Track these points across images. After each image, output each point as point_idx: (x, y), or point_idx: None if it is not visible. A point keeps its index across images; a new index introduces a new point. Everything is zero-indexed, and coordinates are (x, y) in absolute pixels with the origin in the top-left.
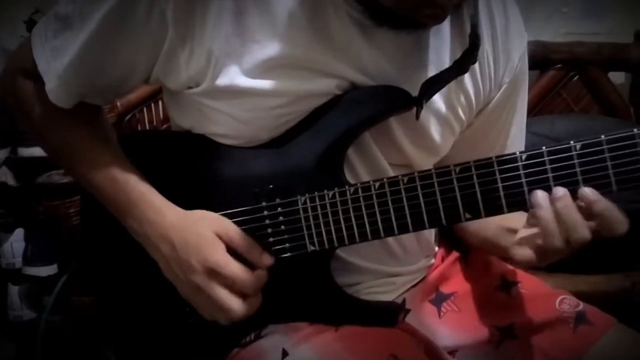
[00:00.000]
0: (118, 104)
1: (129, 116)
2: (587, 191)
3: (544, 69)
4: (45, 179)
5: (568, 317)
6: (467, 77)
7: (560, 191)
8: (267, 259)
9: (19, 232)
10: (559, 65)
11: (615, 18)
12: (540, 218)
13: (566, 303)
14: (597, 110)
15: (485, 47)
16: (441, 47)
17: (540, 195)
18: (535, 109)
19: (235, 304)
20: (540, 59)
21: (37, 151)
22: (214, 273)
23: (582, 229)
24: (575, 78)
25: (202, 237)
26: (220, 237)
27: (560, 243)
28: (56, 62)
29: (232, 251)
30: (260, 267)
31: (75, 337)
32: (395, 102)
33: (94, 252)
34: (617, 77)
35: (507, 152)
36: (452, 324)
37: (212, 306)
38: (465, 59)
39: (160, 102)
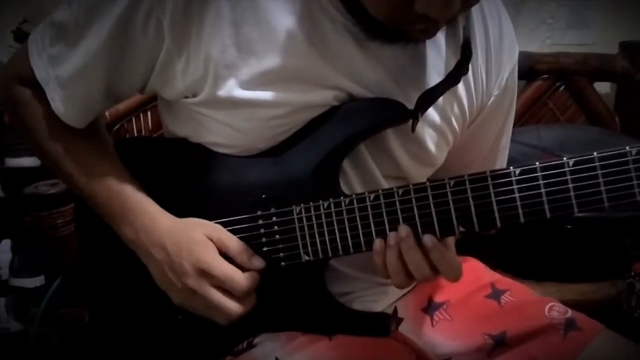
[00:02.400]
0: (107, 114)
1: (117, 126)
2: (426, 239)
3: (530, 79)
4: (33, 189)
5: (558, 324)
6: (461, 88)
7: (404, 232)
8: (258, 262)
9: (5, 243)
10: (545, 76)
11: (600, 29)
12: (386, 259)
13: (555, 310)
14: (583, 119)
15: (479, 58)
16: (437, 59)
17: (379, 242)
18: (522, 119)
19: (229, 303)
20: (526, 69)
21: (24, 161)
22: (205, 274)
23: (424, 268)
24: (562, 88)
25: (193, 240)
26: (211, 240)
27: (403, 279)
28: (56, 71)
29: (224, 255)
30: (251, 269)
31: (63, 349)
32: (391, 114)
33: (88, 260)
34: (603, 87)
35: (493, 162)
36: (445, 333)
37: (207, 307)
38: (457, 70)
39: (148, 112)
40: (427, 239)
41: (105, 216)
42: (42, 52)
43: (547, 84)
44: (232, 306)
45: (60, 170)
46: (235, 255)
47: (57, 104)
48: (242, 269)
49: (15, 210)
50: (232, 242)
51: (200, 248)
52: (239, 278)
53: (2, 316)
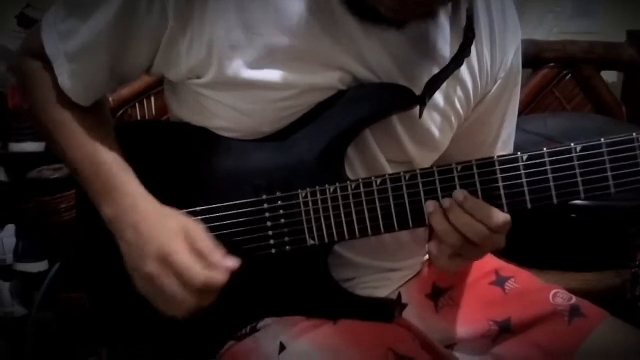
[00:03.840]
0: (110, 99)
1: (121, 112)
2: (456, 194)
3: (537, 68)
4: (36, 174)
5: (563, 310)
6: (465, 71)
7: (447, 202)
8: (229, 262)
9: (10, 228)
10: (552, 64)
11: (607, 18)
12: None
13: (560, 297)
14: (590, 108)
15: (483, 40)
16: (442, 43)
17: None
18: (528, 108)
19: (179, 295)
20: (533, 57)
21: (28, 147)
22: (166, 262)
23: (474, 225)
24: (568, 77)
25: (166, 228)
26: (185, 231)
27: (457, 240)
28: (65, 46)
29: (196, 251)
30: (218, 268)
31: (66, 334)
32: (399, 100)
33: (89, 246)
34: (610, 76)
35: (498, 149)
36: (449, 319)
37: (159, 296)
38: (460, 54)
39: (152, 98)
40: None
41: (89, 191)
42: (53, 28)
43: (554, 72)
44: (181, 299)
45: (55, 142)
46: (205, 250)
47: (64, 79)
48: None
49: (19, 195)
50: (205, 239)
51: (169, 236)
52: (198, 273)
53: (6, 301)
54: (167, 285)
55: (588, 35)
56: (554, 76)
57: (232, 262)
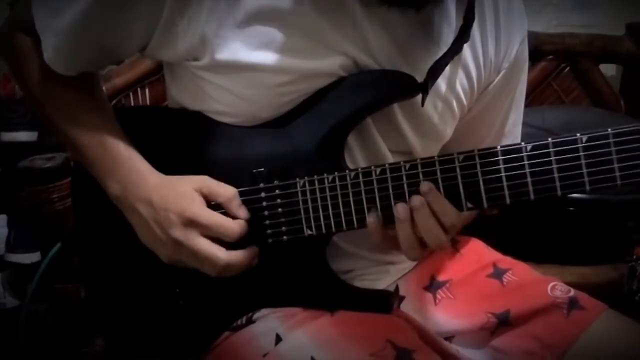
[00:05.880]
0: (104, 88)
1: (114, 101)
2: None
3: (535, 60)
4: (28, 163)
5: (561, 303)
6: (469, 58)
7: (417, 201)
8: (244, 212)
9: (2, 219)
10: (550, 57)
11: (606, 10)
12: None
13: (558, 289)
14: (588, 101)
15: (488, 28)
16: (446, 29)
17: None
18: (526, 100)
19: (217, 251)
20: (531, 49)
21: (21, 136)
22: (193, 223)
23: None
24: (567, 70)
25: (180, 193)
26: (200, 191)
27: (413, 242)
28: (55, 21)
29: (214, 207)
30: (240, 217)
31: (60, 325)
32: (401, 88)
33: (85, 233)
34: (608, 69)
35: (504, 140)
36: (448, 311)
37: (195, 258)
38: (460, 37)
39: (146, 88)
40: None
41: (93, 170)
42: (44, 4)
43: (552, 65)
44: (221, 254)
45: (54, 120)
46: (225, 202)
47: (49, 52)
48: (231, 217)
49: (11, 185)
50: (223, 189)
51: (187, 200)
52: (230, 224)
53: None
54: (201, 246)
55: (587, 28)
56: (553, 69)
57: (245, 212)
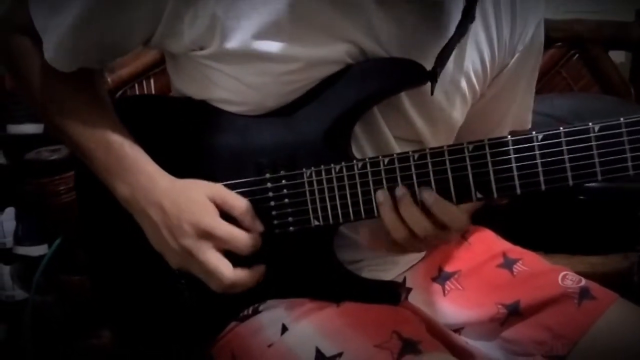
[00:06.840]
0: (109, 79)
1: (119, 92)
2: (425, 195)
3: (543, 47)
4: (34, 155)
5: (572, 293)
6: (483, 39)
7: (400, 191)
8: (259, 225)
9: (9, 211)
10: (559, 44)
11: None
12: (383, 215)
13: (569, 279)
14: (597, 89)
15: (502, 8)
16: (456, 14)
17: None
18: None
19: (225, 270)
20: None
21: (27, 128)
22: (206, 235)
23: (423, 222)
24: (576, 57)
25: (194, 201)
26: (214, 201)
27: (405, 234)
28: (55, 19)
29: (225, 216)
30: (254, 230)
31: (67, 317)
32: (409, 77)
33: (89, 227)
34: (618, 56)
35: (515, 127)
36: (457, 302)
37: (203, 272)
38: (464, 18)
39: (151, 79)
40: (426, 195)
41: (101, 173)
42: (41, 3)
43: (561, 52)
44: (228, 273)
45: (57, 123)
46: (240, 215)
47: (50, 50)
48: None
49: (18, 177)
50: (238, 202)
51: (201, 209)
52: (244, 238)
53: (6, 284)
54: (209, 259)
55: (596, 14)
56: (561, 56)
57: (260, 226)
